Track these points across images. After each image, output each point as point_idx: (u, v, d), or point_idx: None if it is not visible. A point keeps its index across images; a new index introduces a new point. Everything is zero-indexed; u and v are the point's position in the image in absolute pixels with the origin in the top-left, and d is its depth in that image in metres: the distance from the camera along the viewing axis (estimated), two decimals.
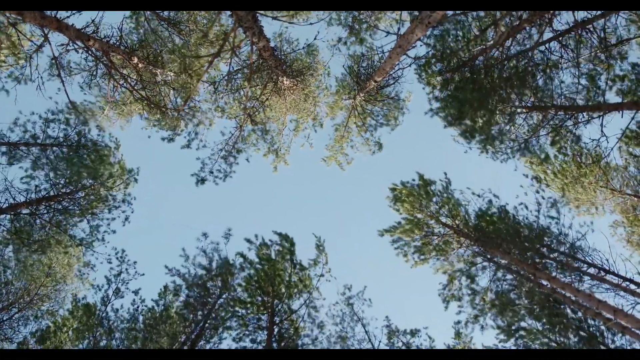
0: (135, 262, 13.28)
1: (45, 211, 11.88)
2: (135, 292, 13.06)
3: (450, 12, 11.04)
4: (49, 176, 12.13)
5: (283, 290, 14.29)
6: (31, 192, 11.46)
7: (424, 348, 13.84)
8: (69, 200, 12.51)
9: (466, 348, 13.81)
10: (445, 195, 14.66)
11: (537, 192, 13.24)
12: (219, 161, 11.85)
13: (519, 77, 10.12)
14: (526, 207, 13.42)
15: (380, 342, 14.90)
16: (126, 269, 13.10)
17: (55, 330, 11.82)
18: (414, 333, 14.03)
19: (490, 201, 13.96)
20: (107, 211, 13.70)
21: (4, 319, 12.44)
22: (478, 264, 13.69)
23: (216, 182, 12.09)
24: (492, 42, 11.45)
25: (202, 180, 11.83)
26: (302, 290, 14.56)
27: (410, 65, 9.38)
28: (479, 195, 14.33)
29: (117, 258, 13.09)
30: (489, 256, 13.49)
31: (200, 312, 13.29)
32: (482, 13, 11.30)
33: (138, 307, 12.87)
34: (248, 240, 14.43)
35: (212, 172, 11.86)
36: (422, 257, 14.71)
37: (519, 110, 10.52)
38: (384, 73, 9.53)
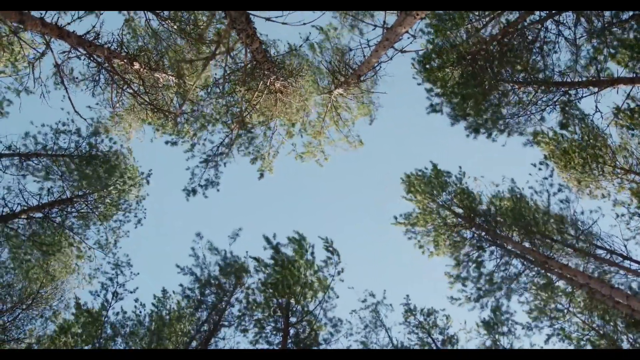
0: (129, 261, 13.54)
1: (58, 215, 12.29)
2: (132, 292, 13.27)
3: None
4: (62, 179, 12.55)
5: (298, 290, 14.40)
6: (44, 195, 11.92)
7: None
8: (83, 203, 12.91)
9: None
10: (457, 185, 14.70)
11: (545, 177, 13.19)
12: (208, 170, 11.92)
13: (514, 54, 10.14)
14: (536, 192, 13.39)
15: (401, 342, 14.87)
16: (122, 271, 13.29)
17: (59, 335, 12.08)
18: (430, 313, 14.10)
19: (500, 190, 14.03)
20: (121, 214, 14.12)
21: (9, 319, 12.73)
22: (486, 249, 13.66)
23: (206, 195, 12.09)
24: (489, 38, 11.51)
25: (193, 192, 11.90)
26: (317, 290, 14.69)
27: (391, 59, 9.44)
28: (496, 185, 14.40)
29: (114, 264, 13.30)
30: (498, 241, 13.43)
31: (212, 313, 13.44)
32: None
33: (138, 311, 13.04)
34: (266, 238, 14.66)
35: (201, 185, 11.94)
36: (437, 248, 14.78)
37: (508, 86, 10.51)
38: (369, 66, 9.64)
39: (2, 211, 11.25)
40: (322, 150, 12.46)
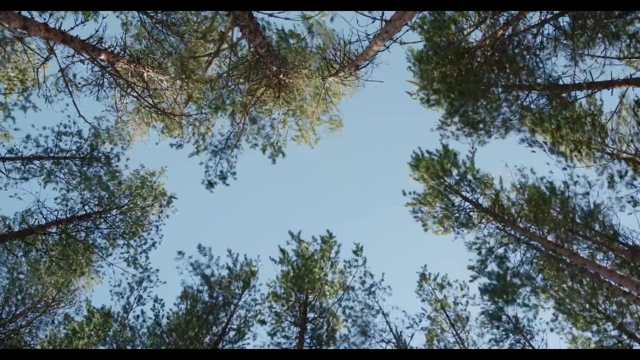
0: (157, 270, 13.68)
1: (76, 230, 12.25)
2: (156, 300, 13.38)
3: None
4: (82, 196, 12.58)
5: (317, 286, 14.56)
6: (61, 211, 11.91)
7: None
8: (101, 219, 12.93)
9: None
10: (466, 167, 14.70)
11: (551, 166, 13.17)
12: (221, 162, 12.10)
13: (508, 57, 10.16)
14: (541, 180, 13.39)
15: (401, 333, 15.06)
16: (148, 276, 13.43)
17: (72, 340, 12.11)
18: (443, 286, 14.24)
19: (509, 178, 14.04)
20: (141, 231, 14.12)
21: (22, 324, 12.74)
22: (508, 244, 13.68)
23: (227, 183, 12.33)
24: (487, 37, 11.50)
25: (211, 184, 12.05)
26: (336, 288, 14.85)
27: (388, 48, 9.47)
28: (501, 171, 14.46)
29: (138, 265, 13.40)
30: (508, 230, 13.44)
31: (223, 312, 13.53)
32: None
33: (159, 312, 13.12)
34: (291, 234, 14.92)
35: (218, 175, 12.13)
36: (443, 227, 14.82)
37: (498, 89, 10.56)
38: (367, 57, 9.70)
39: (20, 227, 11.29)
40: (315, 133, 12.67)
